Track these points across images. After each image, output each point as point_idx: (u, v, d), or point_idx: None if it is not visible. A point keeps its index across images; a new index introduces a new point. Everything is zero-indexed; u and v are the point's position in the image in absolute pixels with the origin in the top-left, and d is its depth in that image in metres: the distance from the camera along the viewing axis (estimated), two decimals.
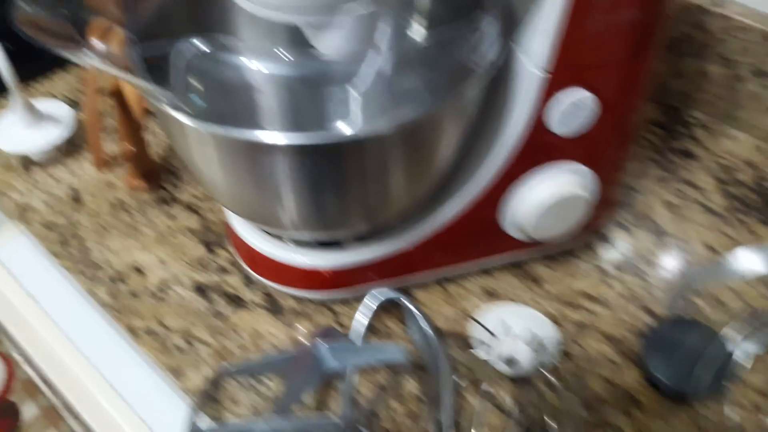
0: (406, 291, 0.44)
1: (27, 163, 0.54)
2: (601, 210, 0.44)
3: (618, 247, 0.48)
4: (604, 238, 0.48)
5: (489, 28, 0.35)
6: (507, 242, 0.44)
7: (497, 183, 0.39)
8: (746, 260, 0.30)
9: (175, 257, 0.48)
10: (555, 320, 0.43)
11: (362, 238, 0.42)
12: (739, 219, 0.49)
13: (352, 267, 0.42)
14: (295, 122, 0.39)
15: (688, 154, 0.54)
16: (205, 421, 0.38)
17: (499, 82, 0.36)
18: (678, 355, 0.38)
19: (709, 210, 0.50)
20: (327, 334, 0.41)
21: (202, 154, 0.34)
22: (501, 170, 0.39)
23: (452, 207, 0.41)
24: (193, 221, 0.50)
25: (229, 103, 0.35)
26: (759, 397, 0.39)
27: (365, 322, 0.42)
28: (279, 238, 0.43)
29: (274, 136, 0.30)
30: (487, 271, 0.46)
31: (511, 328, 0.39)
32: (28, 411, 1.39)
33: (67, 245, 0.49)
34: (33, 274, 0.51)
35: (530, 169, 0.39)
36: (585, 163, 0.40)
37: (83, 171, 0.54)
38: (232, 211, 0.41)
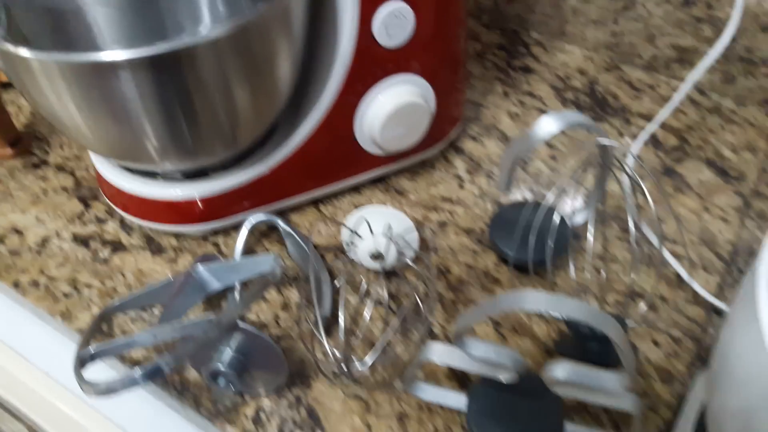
0: (282, 215, 0.48)
1: None
2: (446, 120, 0.49)
3: (470, 155, 0.53)
4: (457, 150, 0.53)
5: None
6: (367, 159, 0.48)
7: (343, 99, 0.43)
8: (546, 124, 0.35)
9: (52, 215, 0.49)
10: (419, 223, 0.48)
11: (227, 166, 0.45)
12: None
13: (221, 194, 0.44)
14: (131, 38, 0.41)
15: (528, 70, 0.60)
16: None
17: None
18: (519, 233, 0.43)
19: (544, 112, 0.56)
20: (207, 259, 0.44)
21: (51, 90, 0.36)
22: (343, 86, 0.42)
23: (306, 128, 0.44)
24: (65, 180, 0.51)
25: (63, 31, 0.36)
26: (597, 261, 0.45)
27: (242, 244, 0.45)
28: (146, 175, 0.45)
29: (112, 54, 0.33)
30: (356, 189, 0.50)
31: (373, 227, 0.43)
32: None
33: None
34: None
35: (372, 83, 0.43)
36: (419, 74, 0.44)
37: None
38: (94, 150, 0.42)
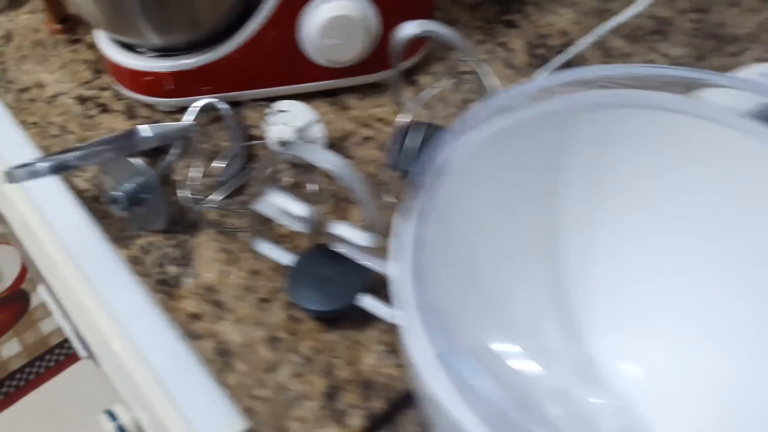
0: (236, 105, 0.55)
1: None
2: (384, 43, 0.53)
3: (421, 88, 0.57)
4: (412, 82, 0.57)
5: None
6: (314, 69, 0.54)
7: (288, 3, 0.49)
8: (406, 29, 0.39)
9: (69, 79, 0.60)
10: (348, 134, 0.53)
11: (192, 49, 0.53)
12: (531, 73, 0.57)
13: (183, 71, 0.52)
14: None
15: (512, 25, 0.62)
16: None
17: None
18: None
19: (510, 65, 0.58)
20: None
21: None
22: None
23: (253, 24, 0.51)
24: (90, 55, 0.62)
25: None
26: None
27: (192, 117, 0.53)
28: (131, 49, 0.54)
29: None
30: (308, 98, 0.56)
31: (285, 118, 0.49)
32: (36, 299, 1.58)
33: None
34: None
35: None
36: None
37: (20, 18, 0.67)
38: (89, 19, 0.52)
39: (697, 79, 0.30)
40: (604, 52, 0.58)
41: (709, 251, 0.32)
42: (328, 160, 0.35)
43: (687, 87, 0.30)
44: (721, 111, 0.29)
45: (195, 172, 0.47)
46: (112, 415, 0.55)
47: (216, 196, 0.46)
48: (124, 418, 0.55)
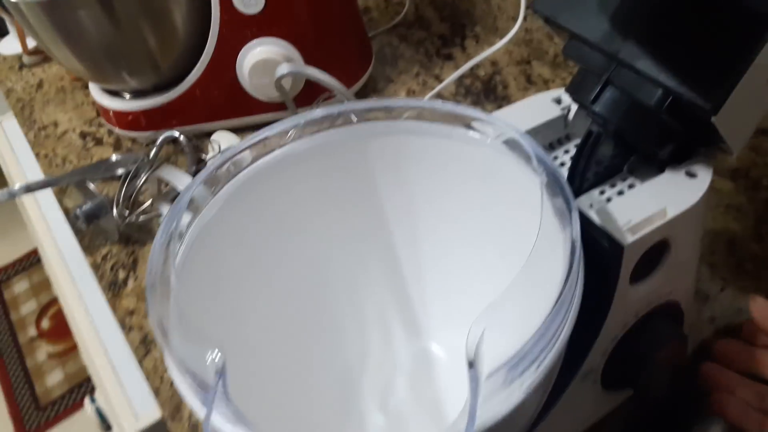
0: (200, 137, 0.65)
1: (21, 64, 0.82)
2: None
3: None
4: None
5: None
6: (257, 103, 0.62)
7: (221, 50, 0.59)
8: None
9: (77, 118, 0.72)
10: None
11: (158, 90, 0.63)
12: (456, 101, 0.63)
13: (152, 109, 0.63)
14: None
15: (449, 57, 0.68)
16: None
17: None
18: None
19: (439, 95, 0.64)
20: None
21: (37, 26, 0.57)
22: (221, 42, 0.58)
23: (200, 68, 0.60)
24: None
25: None
26: None
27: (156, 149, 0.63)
28: (116, 94, 0.65)
29: None
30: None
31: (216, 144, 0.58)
32: None
33: (23, 111, 0.75)
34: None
35: (244, 40, 0.58)
36: (283, 38, 0.58)
37: (51, 69, 0.81)
38: (69, 69, 0.64)
39: (468, 115, 0.35)
40: (527, 78, 0.63)
41: (489, 241, 0.37)
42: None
43: (462, 120, 0.36)
44: (480, 139, 0.35)
45: (128, 192, 0.56)
46: (92, 399, 0.66)
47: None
48: (100, 401, 0.65)
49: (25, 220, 0.76)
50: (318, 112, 0.34)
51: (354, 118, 0.37)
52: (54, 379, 1.47)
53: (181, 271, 0.30)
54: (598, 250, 0.31)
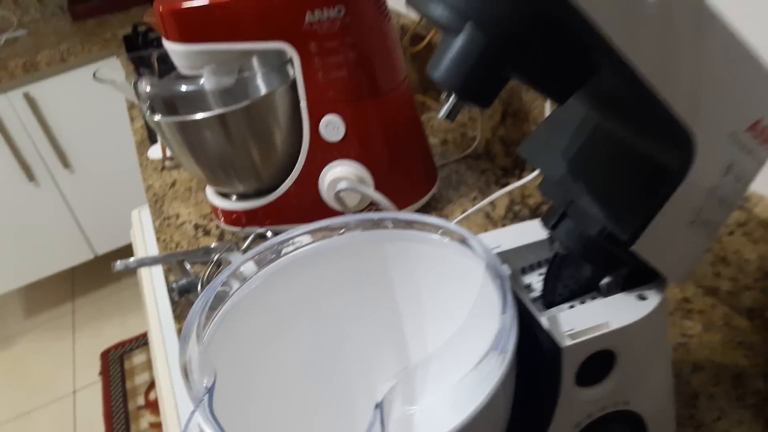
0: None
1: (162, 167, 1.01)
2: (400, 197, 0.71)
3: None
4: None
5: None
6: (332, 212, 0.74)
7: (308, 168, 0.71)
8: None
9: (195, 213, 0.88)
10: None
11: (258, 195, 0.76)
12: (503, 224, 0.70)
13: (250, 210, 0.76)
14: None
15: (506, 185, 0.76)
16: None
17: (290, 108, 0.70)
18: None
19: (489, 217, 0.72)
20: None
21: (175, 142, 0.74)
22: (306, 160, 0.71)
23: (289, 182, 0.73)
24: None
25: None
26: None
27: (248, 241, 0.75)
28: (225, 196, 0.80)
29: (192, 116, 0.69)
30: None
31: None
32: None
33: (156, 203, 0.92)
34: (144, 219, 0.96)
35: (327, 161, 0.71)
36: (355, 159, 0.70)
37: (185, 174, 0.99)
38: (192, 174, 0.80)
39: (460, 233, 0.44)
40: None
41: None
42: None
43: (458, 236, 0.44)
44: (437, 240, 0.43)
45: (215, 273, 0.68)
46: None
47: None
48: None
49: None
50: (357, 216, 0.44)
51: (390, 225, 0.46)
52: None
53: (219, 324, 0.40)
54: (544, 351, 0.37)
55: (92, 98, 1.89)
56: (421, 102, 1.04)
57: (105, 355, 1.90)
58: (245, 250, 0.71)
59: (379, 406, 0.28)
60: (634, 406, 0.41)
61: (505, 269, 0.37)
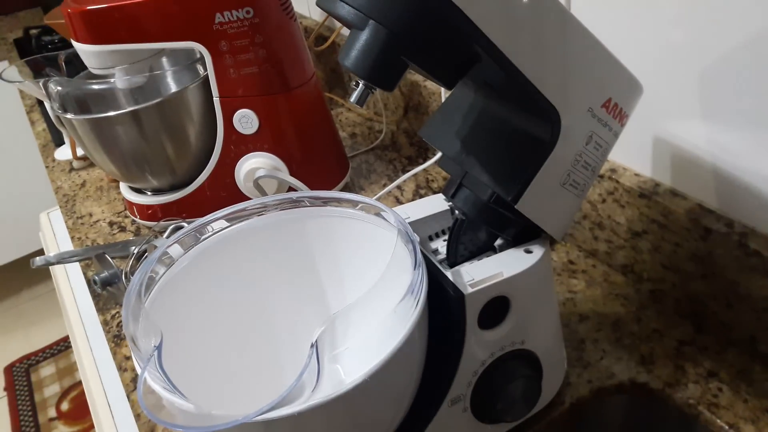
0: None
1: (71, 168, 1.01)
2: (314, 185, 0.76)
3: None
4: None
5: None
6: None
7: (224, 159, 0.75)
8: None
9: (109, 210, 0.89)
10: None
11: (173, 189, 0.79)
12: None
13: (167, 204, 0.79)
14: None
15: (407, 171, 0.83)
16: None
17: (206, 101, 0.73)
18: None
19: (399, 201, 0.78)
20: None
21: (88, 141, 0.75)
22: (224, 153, 0.74)
23: (205, 174, 0.76)
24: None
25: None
26: None
27: (166, 234, 0.78)
28: (139, 192, 0.81)
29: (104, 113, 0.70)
30: None
31: None
32: None
33: (66, 204, 0.92)
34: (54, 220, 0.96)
35: (242, 153, 0.74)
36: (269, 151, 0.74)
37: (94, 173, 0.99)
38: (106, 171, 0.81)
39: (376, 206, 0.49)
40: None
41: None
42: None
43: (374, 210, 0.50)
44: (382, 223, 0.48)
45: (137, 265, 0.70)
46: None
47: None
48: None
49: (58, 300, 0.90)
50: (275, 197, 0.49)
51: (307, 203, 0.51)
52: None
53: (154, 300, 0.44)
54: (450, 299, 0.43)
55: None
56: (329, 98, 1.09)
57: (9, 370, 1.82)
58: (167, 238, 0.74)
59: (314, 345, 0.33)
60: (528, 345, 0.48)
61: (415, 236, 0.43)
